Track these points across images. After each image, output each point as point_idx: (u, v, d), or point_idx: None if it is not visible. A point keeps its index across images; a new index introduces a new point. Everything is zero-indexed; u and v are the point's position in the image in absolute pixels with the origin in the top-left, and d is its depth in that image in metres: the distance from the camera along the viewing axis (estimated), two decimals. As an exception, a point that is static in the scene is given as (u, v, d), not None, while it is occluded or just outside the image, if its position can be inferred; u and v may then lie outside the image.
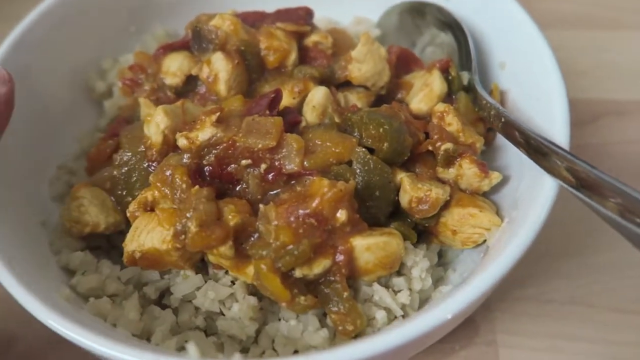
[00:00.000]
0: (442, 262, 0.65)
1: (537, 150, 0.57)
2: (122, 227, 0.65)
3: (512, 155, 0.68)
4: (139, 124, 0.68)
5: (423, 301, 0.60)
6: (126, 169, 0.64)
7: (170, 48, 0.74)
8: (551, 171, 0.55)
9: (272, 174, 0.59)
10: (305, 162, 0.59)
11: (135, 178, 0.64)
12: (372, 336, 0.47)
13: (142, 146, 0.64)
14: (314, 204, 0.55)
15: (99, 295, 0.59)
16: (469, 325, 0.70)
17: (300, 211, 0.55)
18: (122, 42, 0.84)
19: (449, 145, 0.62)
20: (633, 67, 0.96)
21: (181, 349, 0.55)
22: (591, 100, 0.92)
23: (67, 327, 0.46)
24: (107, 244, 0.67)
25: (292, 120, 0.64)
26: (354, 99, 0.71)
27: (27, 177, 0.68)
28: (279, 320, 0.59)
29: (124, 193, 0.64)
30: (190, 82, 0.73)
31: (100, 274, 0.61)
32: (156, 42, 0.85)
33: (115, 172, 0.65)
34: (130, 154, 0.64)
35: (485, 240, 0.61)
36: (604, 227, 0.73)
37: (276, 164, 0.60)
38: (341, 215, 0.55)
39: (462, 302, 0.47)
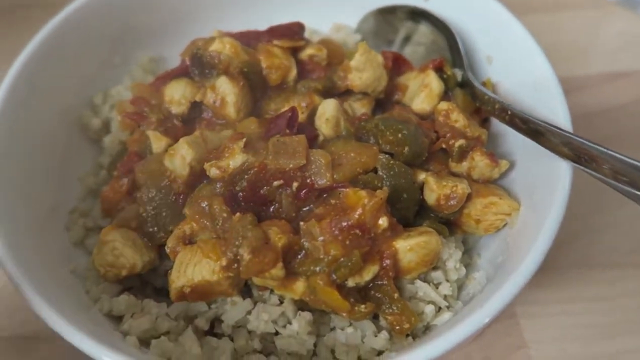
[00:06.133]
0: (465, 249, 0.70)
1: (541, 134, 0.63)
2: (156, 264, 0.64)
3: (510, 141, 0.73)
4: (154, 157, 0.67)
5: (459, 288, 0.65)
6: (153, 205, 0.64)
7: (168, 77, 0.74)
8: (554, 149, 0.61)
9: (304, 191, 0.61)
10: (335, 176, 0.62)
11: (164, 213, 0.63)
12: (434, 336, 0.51)
13: (166, 180, 0.64)
14: (356, 215, 0.58)
15: (153, 336, 0.59)
16: (490, 303, 0.76)
17: (344, 223, 0.58)
18: (108, 74, 0.81)
19: (462, 142, 0.66)
20: (585, 44, 1.05)
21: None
22: (556, 79, 1.01)
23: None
24: (139, 282, 0.67)
25: (310, 136, 0.66)
26: (358, 106, 0.74)
27: (44, 227, 0.66)
28: (332, 330, 0.61)
29: (156, 229, 0.63)
30: (195, 108, 0.73)
31: (150, 314, 0.60)
32: (143, 71, 0.84)
33: (140, 210, 0.64)
34: (154, 190, 0.64)
35: (505, 224, 0.66)
36: (593, 194, 0.81)
37: (307, 181, 0.61)
38: (383, 222, 0.58)
39: (512, 291, 0.52)
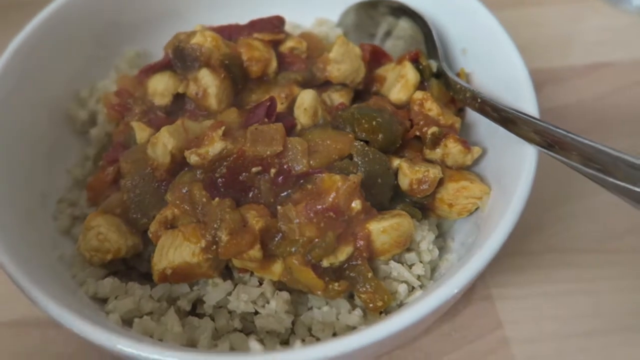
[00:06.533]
0: (439, 233, 0.72)
1: (509, 120, 0.65)
2: (140, 249, 0.67)
3: (483, 130, 0.76)
4: (137, 147, 0.69)
5: (433, 270, 0.67)
6: (137, 192, 0.66)
7: (152, 70, 0.76)
8: (524, 137, 0.63)
9: (282, 177, 0.64)
10: (311, 162, 0.64)
11: (147, 200, 0.66)
12: (407, 307, 0.53)
13: (148, 168, 0.66)
14: (330, 199, 0.60)
15: (136, 316, 0.61)
16: (466, 285, 0.78)
17: (318, 207, 0.60)
18: (94, 69, 0.84)
19: (435, 129, 0.69)
20: (560, 37, 1.08)
21: (235, 350, 0.59)
22: (533, 71, 1.03)
23: (144, 350, 0.49)
24: (124, 267, 0.69)
25: (288, 125, 0.69)
26: (337, 97, 0.76)
27: (32, 216, 0.68)
28: (310, 309, 0.64)
29: (139, 215, 0.66)
30: (178, 100, 0.75)
31: (133, 295, 0.63)
32: (128, 65, 0.86)
33: (124, 197, 0.67)
34: (137, 177, 0.66)
35: (477, 208, 0.69)
36: (566, 181, 0.83)
37: (285, 167, 0.64)
38: (356, 205, 0.61)
39: (478, 266, 0.54)
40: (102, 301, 0.64)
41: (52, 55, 0.78)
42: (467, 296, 0.78)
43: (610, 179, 0.56)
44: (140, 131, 0.71)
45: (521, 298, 0.78)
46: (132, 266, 0.69)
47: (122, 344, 0.48)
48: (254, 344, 0.53)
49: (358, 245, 0.61)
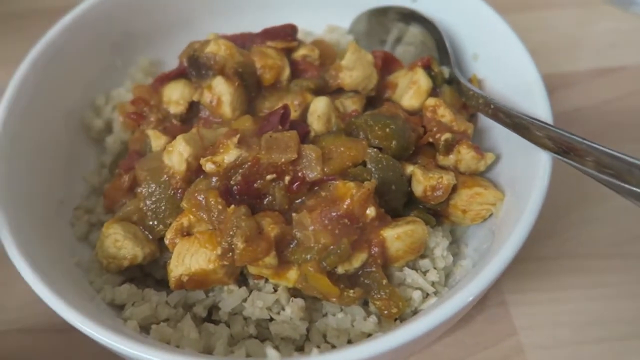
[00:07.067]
0: (453, 239, 0.72)
1: (524, 127, 0.65)
2: (157, 256, 0.67)
3: (496, 136, 0.76)
4: (153, 155, 0.70)
5: (447, 276, 0.68)
6: (153, 199, 0.67)
7: (167, 78, 0.77)
8: (538, 143, 0.63)
9: (296, 184, 0.64)
10: (325, 169, 0.64)
11: (164, 207, 0.66)
12: (419, 316, 0.53)
13: (165, 176, 0.67)
14: (345, 205, 0.61)
15: (152, 323, 0.62)
16: (480, 291, 0.78)
17: (333, 213, 0.61)
18: (110, 77, 0.85)
19: (448, 135, 0.69)
20: (571, 40, 1.08)
21: (253, 356, 0.59)
22: (544, 75, 1.03)
23: (163, 357, 0.49)
24: (141, 273, 0.70)
25: (302, 132, 0.69)
26: (350, 103, 0.77)
27: (50, 223, 0.70)
28: (324, 316, 0.64)
29: (156, 223, 0.67)
30: (192, 108, 0.76)
31: (149, 302, 0.63)
32: (143, 73, 0.87)
33: (141, 205, 0.67)
34: (154, 185, 0.67)
35: (491, 214, 0.69)
36: (579, 187, 0.83)
37: (299, 174, 0.64)
38: (370, 212, 0.61)
39: (493, 273, 0.54)
40: (119, 308, 0.64)
41: (69, 65, 0.79)
42: (481, 302, 0.78)
43: (626, 185, 0.56)
44: (156, 139, 0.72)
45: (536, 304, 0.78)
46: (149, 273, 0.70)
47: (141, 351, 0.49)
48: (270, 350, 0.53)
49: (372, 251, 0.62)
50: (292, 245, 0.62)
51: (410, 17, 0.88)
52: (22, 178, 0.69)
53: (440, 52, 0.81)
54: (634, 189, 0.55)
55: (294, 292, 0.64)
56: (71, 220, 0.74)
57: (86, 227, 0.73)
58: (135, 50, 0.88)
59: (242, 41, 0.79)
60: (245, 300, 0.64)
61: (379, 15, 0.93)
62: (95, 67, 0.84)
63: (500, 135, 0.75)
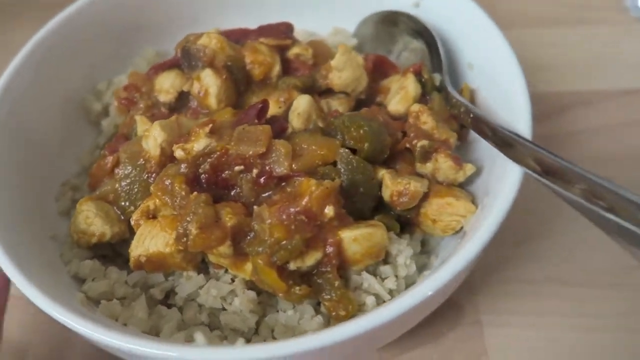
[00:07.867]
0: (425, 250, 0.70)
1: (504, 141, 0.63)
2: (126, 236, 0.69)
3: (484, 149, 0.73)
4: (137, 139, 0.72)
5: (409, 286, 0.66)
6: (128, 181, 0.69)
7: (161, 67, 0.79)
8: (518, 160, 0.60)
9: (263, 178, 0.64)
10: (293, 165, 0.64)
11: (136, 189, 0.68)
12: (359, 316, 0.52)
13: (141, 160, 0.69)
14: (303, 202, 0.60)
15: (109, 299, 0.64)
16: (454, 308, 0.75)
17: (291, 209, 0.60)
18: (115, 64, 0.88)
19: (424, 142, 0.67)
20: (588, 60, 1.03)
21: (189, 341, 0.60)
22: (557, 93, 0.98)
23: (88, 327, 0.51)
24: (112, 252, 0.72)
25: (279, 128, 0.69)
26: (336, 104, 0.76)
27: (36, 195, 0.73)
28: (277, 311, 0.64)
29: (127, 204, 0.69)
30: (182, 98, 0.78)
31: (109, 279, 0.65)
32: (147, 63, 0.90)
33: (117, 186, 0.70)
34: (130, 167, 0.69)
35: (462, 227, 0.66)
36: (569, 211, 0.79)
37: (267, 168, 0.64)
38: (329, 211, 0.60)
39: (439, 281, 0.52)
40: (82, 281, 0.67)
41: (74, 50, 0.83)
42: (455, 320, 0.76)
43: (618, 220, 0.50)
44: (142, 125, 0.74)
45: (511, 326, 0.74)
46: (120, 253, 0.72)
47: (68, 318, 0.51)
48: (199, 335, 0.53)
49: (328, 251, 0.61)
50: (249, 237, 0.62)
51: (419, 33, 0.85)
52: (21, 155, 0.72)
53: (433, 59, 0.79)
54: (626, 224, 0.50)
55: (251, 285, 0.64)
56: (56, 196, 0.77)
57: (69, 203, 0.76)
58: (142, 40, 0.91)
59: (238, 36, 0.80)
60: (201, 287, 0.64)
61: (388, 23, 0.91)
62: (100, 55, 0.87)
63: (488, 148, 0.71)
